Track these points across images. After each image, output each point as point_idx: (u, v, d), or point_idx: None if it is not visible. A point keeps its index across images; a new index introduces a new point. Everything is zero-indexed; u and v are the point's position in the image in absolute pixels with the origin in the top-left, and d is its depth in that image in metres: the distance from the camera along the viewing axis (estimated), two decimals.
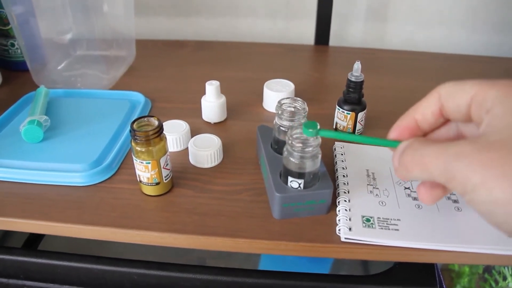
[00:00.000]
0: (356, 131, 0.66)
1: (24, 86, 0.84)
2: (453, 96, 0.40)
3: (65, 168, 0.61)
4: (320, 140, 0.50)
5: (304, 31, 1.08)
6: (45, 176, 0.60)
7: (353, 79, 0.62)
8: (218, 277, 0.60)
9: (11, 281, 0.66)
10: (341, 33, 1.08)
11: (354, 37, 1.10)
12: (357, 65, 0.61)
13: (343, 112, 0.65)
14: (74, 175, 0.60)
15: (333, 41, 1.06)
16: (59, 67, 0.86)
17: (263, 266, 1.01)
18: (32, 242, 0.89)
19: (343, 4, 1.04)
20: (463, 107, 0.39)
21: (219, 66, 0.92)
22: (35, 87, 0.79)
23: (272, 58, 0.96)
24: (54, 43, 0.86)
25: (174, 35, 1.11)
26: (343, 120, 0.66)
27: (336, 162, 0.61)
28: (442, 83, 0.41)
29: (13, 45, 0.88)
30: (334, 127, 0.68)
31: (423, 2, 1.04)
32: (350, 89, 0.63)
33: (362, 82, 0.63)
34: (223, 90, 0.72)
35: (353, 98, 0.64)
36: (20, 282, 0.66)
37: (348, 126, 0.66)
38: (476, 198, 0.33)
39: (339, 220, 0.52)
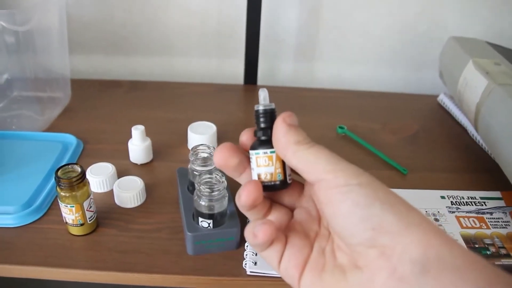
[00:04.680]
0: (287, 178, 0.37)
1: None
2: None
3: None
4: (226, 183, 0.56)
5: (235, 70, 1.15)
6: None
7: (261, 108, 0.37)
8: None
9: None
10: (272, 72, 1.16)
11: (284, 76, 1.18)
12: (263, 92, 0.38)
13: (265, 153, 0.36)
14: (4, 217, 0.64)
15: (263, 80, 1.13)
16: None
17: None
18: None
19: (271, 44, 1.12)
20: None
21: (150, 106, 0.98)
22: None
23: (201, 98, 1.02)
24: None
25: (112, 73, 1.16)
26: (267, 166, 0.37)
27: None
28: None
29: None
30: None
31: (347, 42, 1.13)
32: (262, 123, 0.37)
33: (273, 110, 0.37)
34: (151, 131, 0.78)
35: (270, 133, 0.37)
36: None
37: (277, 171, 0.37)
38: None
39: (246, 255, 0.59)
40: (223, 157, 0.36)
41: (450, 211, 0.70)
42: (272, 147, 0.36)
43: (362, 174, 0.31)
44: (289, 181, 0.37)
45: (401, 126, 0.95)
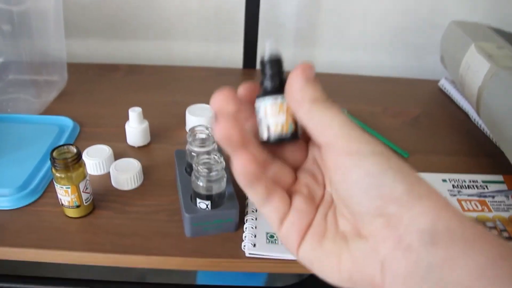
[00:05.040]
0: (299, 131, 0.34)
1: None
2: None
3: None
4: (224, 164, 0.55)
5: (234, 54, 1.13)
6: None
7: (267, 56, 0.34)
8: None
9: None
10: None
11: (284, 61, 1.16)
12: (269, 41, 0.34)
13: (275, 102, 0.33)
14: (0, 199, 0.63)
15: None
16: None
17: (200, 281, 1.05)
18: None
19: (272, 29, 1.11)
20: None
21: (148, 90, 0.96)
22: None
23: (200, 82, 1.01)
24: None
25: (109, 57, 1.15)
26: (278, 115, 0.33)
27: None
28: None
29: None
30: (266, 135, 0.33)
31: (348, 27, 1.12)
32: (269, 72, 0.34)
33: (280, 59, 0.34)
34: (149, 114, 0.77)
35: (280, 82, 0.33)
36: None
37: (289, 121, 0.33)
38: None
39: (245, 236, 0.58)
40: (221, 100, 0.32)
41: (452, 194, 0.69)
42: (282, 95, 0.33)
43: (375, 142, 0.30)
44: (299, 134, 0.34)
45: (402, 110, 0.94)
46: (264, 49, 0.34)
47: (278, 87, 0.33)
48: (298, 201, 0.33)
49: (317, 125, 0.30)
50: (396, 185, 0.28)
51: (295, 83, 0.31)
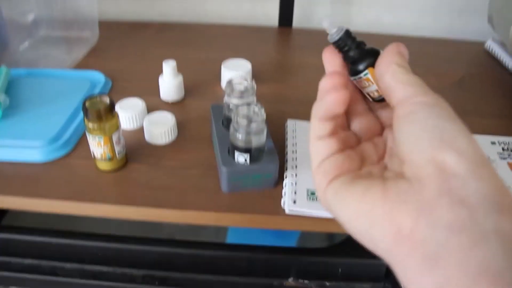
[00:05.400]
0: None
1: None
2: None
3: (23, 144, 0.62)
4: (264, 116, 0.52)
5: (269, 12, 1.09)
6: (2, 153, 0.61)
7: (335, 35, 0.37)
8: (187, 250, 0.63)
9: None
10: (307, 15, 1.10)
11: (320, 19, 1.12)
12: (327, 22, 0.37)
13: (360, 76, 0.36)
14: (31, 151, 0.61)
15: (298, 23, 1.08)
16: (21, 48, 0.86)
17: (230, 239, 1.04)
18: None
19: None
20: None
21: (181, 47, 0.93)
22: None
23: (234, 40, 0.97)
24: (16, 23, 0.86)
25: (140, 15, 1.12)
26: (369, 86, 0.37)
27: (286, 138, 0.64)
28: None
29: None
30: (370, 99, 0.38)
31: None
32: (346, 47, 0.37)
33: (345, 34, 0.36)
34: (183, 70, 0.74)
35: (356, 54, 0.37)
36: None
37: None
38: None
39: (284, 193, 0.55)
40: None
41: (502, 157, 0.65)
42: (364, 68, 0.35)
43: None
44: None
45: (445, 72, 0.89)
46: (329, 31, 0.36)
47: (360, 58, 0.36)
48: (353, 153, 0.35)
49: (398, 83, 0.32)
50: (461, 140, 0.27)
51: (389, 51, 0.34)
